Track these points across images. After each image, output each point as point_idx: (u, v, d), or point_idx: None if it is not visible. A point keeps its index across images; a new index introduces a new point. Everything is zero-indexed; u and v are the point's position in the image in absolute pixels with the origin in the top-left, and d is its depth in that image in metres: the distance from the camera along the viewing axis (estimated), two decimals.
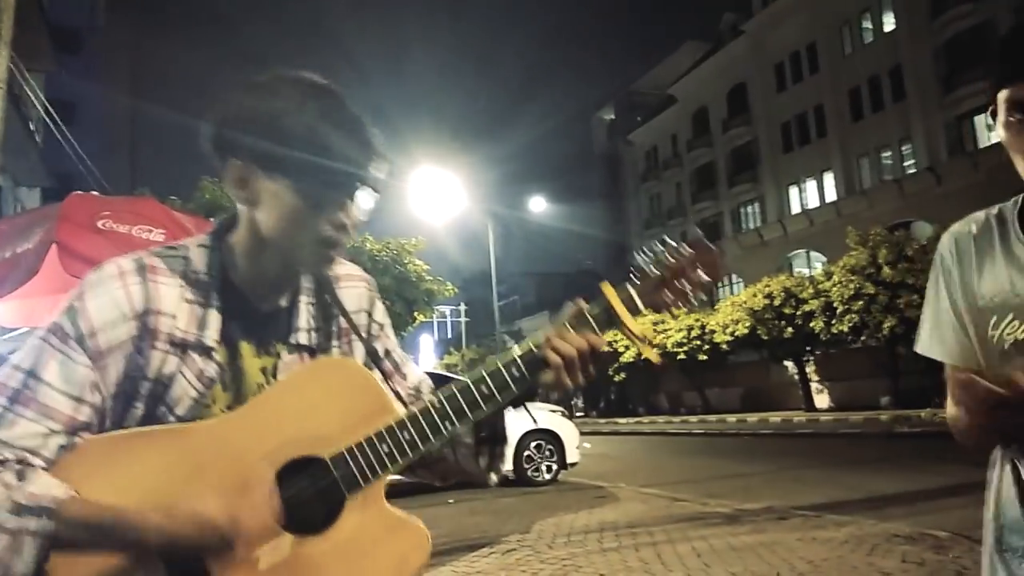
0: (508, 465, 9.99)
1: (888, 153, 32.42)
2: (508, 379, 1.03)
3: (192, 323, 1.00)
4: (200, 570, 0.91)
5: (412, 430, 0.99)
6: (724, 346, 28.83)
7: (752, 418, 24.93)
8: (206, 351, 1.00)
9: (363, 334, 1.16)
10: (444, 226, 22.73)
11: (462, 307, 52.07)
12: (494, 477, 1.18)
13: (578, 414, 41.37)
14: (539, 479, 10.06)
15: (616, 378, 35.12)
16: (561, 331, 1.04)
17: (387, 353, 1.20)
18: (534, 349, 1.03)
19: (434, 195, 18.13)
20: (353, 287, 1.18)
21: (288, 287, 1.10)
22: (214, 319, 1.02)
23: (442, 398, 1.02)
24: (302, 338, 1.09)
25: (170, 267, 1.02)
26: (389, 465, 0.98)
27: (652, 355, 1.10)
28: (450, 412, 1.01)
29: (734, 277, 39.25)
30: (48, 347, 0.95)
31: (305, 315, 1.10)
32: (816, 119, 35.59)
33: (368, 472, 0.98)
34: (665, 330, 31.04)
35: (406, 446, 0.99)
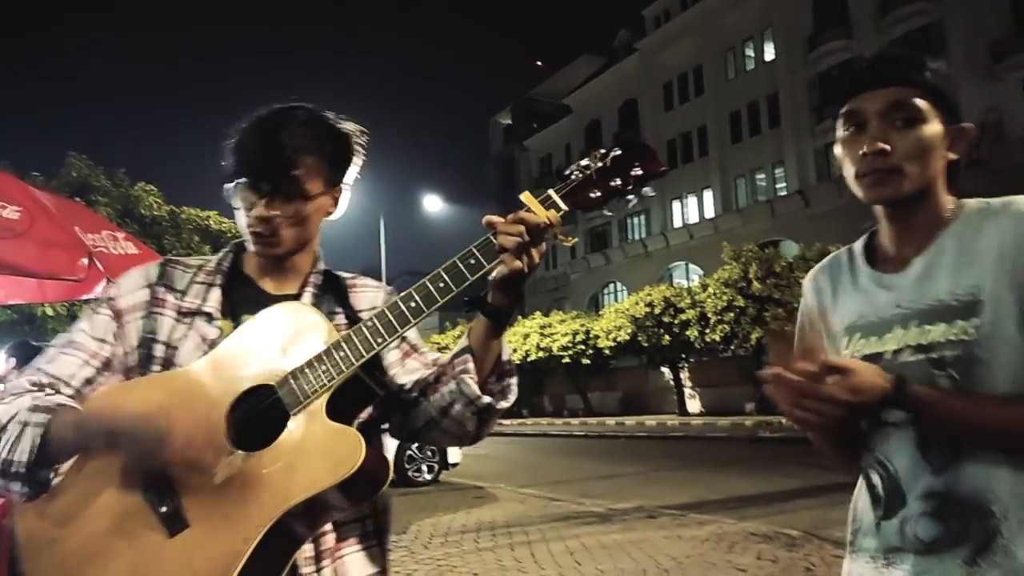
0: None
1: (762, 175, 34.52)
2: (464, 269, 1.12)
3: (197, 297, 1.25)
4: (168, 485, 1.09)
5: (347, 348, 1.11)
6: (607, 351, 29.72)
7: (630, 421, 25.85)
8: (208, 318, 1.23)
9: None
10: (333, 221, 22.11)
11: None
12: (502, 403, 1.21)
13: None
14: (420, 479, 10.01)
15: None
16: (502, 225, 1.13)
17: (403, 338, 1.26)
18: (491, 239, 1.13)
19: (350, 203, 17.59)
20: (367, 292, 1.36)
21: (292, 277, 1.30)
22: (215, 294, 1.25)
23: (379, 312, 1.13)
24: None
25: (187, 263, 1.31)
26: (327, 382, 1.10)
27: (568, 242, 1.21)
28: (391, 320, 1.12)
29: (618, 285, 40.59)
30: (89, 310, 1.28)
31: (307, 300, 1.27)
32: (699, 139, 37.40)
33: (308, 390, 1.10)
34: (551, 334, 31.63)
35: (341, 363, 1.10)
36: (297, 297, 1.27)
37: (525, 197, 1.14)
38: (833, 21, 30.71)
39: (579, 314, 34.20)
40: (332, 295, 1.32)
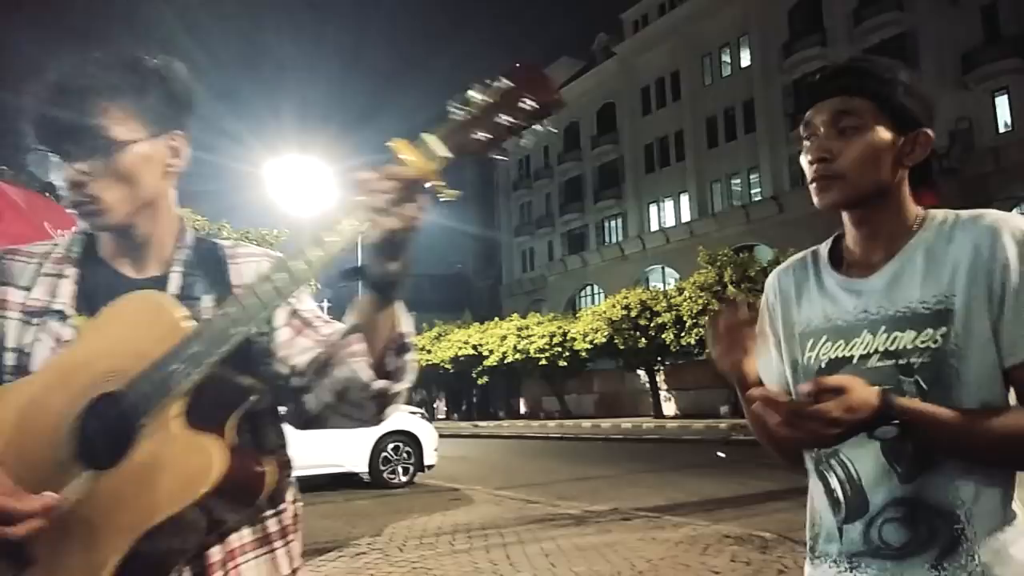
0: (364, 467, 9.81)
1: (738, 180, 34.92)
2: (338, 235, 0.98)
3: (45, 292, 1.08)
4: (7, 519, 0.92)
5: (203, 341, 0.95)
6: (583, 353, 29.86)
7: (606, 423, 25.97)
8: (60, 316, 1.07)
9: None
10: (312, 219, 21.90)
11: (325, 303, 50.66)
12: (399, 385, 1.07)
13: (439, 416, 41.29)
14: (395, 481, 9.95)
15: (479, 381, 35.43)
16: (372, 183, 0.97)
17: (294, 312, 1.16)
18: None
19: (299, 186, 17.40)
20: (251, 262, 1.18)
21: (152, 254, 1.13)
22: (66, 287, 1.09)
23: (245, 291, 0.98)
24: None
25: (31, 251, 1.13)
26: (180, 382, 0.94)
27: (451, 195, 1.02)
28: (258, 299, 0.97)
29: (595, 288, 40.76)
30: None
31: (175, 283, 1.11)
32: (676, 143, 37.73)
33: (157, 395, 0.95)
34: (528, 336, 31.69)
35: (196, 360, 0.94)
36: (163, 279, 1.11)
37: (396, 145, 0.97)
38: (808, 29, 31.20)
39: (556, 316, 34.32)
40: (205, 271, 1.15)
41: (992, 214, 1.09)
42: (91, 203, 1.05)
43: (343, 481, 9.90)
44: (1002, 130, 25.55)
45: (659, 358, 28.24)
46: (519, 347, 31.65)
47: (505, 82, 0.98)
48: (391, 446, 9.99)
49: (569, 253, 43.24)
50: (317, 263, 0.97)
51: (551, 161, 46.27)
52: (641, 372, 30.31)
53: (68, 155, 1.03)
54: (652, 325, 26.35)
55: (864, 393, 1.00)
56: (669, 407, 30.39)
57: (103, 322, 1.03)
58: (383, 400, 1.07)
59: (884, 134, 1.12)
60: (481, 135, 0.99)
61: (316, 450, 8.80)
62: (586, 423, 27.23)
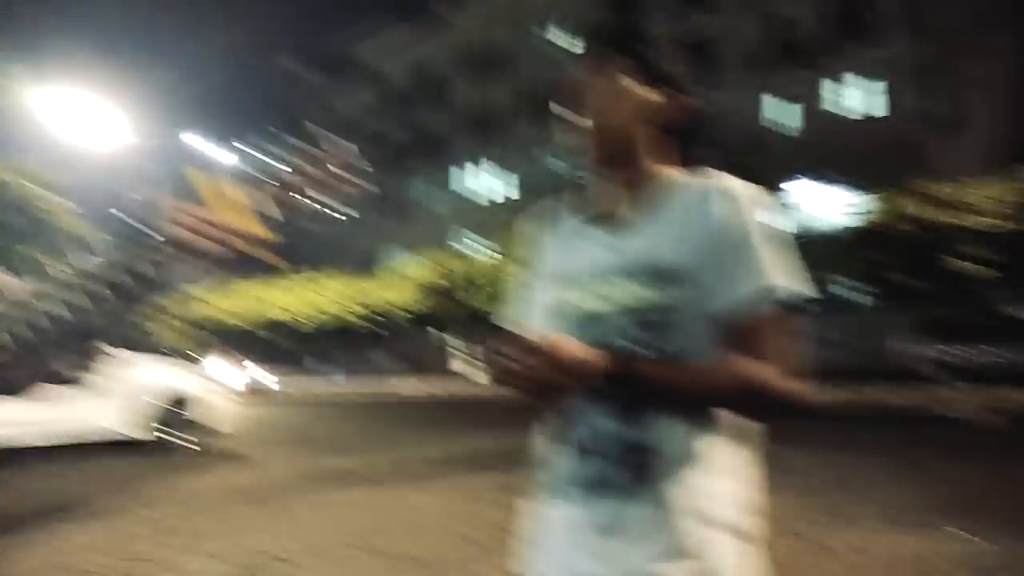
0: (139, 432, 9.07)
1: (550, 154, 36.27)
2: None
3: None
4: None
5: None
6: (383, 314, 29.62)
7: (405, 385, 26.11)
8: None
9: None
10: (108, 163, 19.37)
11: None
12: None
13: (238, 376, 38.93)
14: (176, 442, 9.33)
15: (277, 341, 33.97)
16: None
17: None
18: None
19: (87, 123, 15.11)
20: None
21: None
22: None
23: None
24: None
25: None
26: None
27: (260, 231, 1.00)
28: None
29: (399, 248, 40.57)
30: None
31: None
32: (494, 114, 38.26)
33: None
34: (323, 293, 30.82)
35: None
36: None
37: (208, 192, 0.91)
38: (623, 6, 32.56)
39: (354, 274, 33.56)
40: None
41: (722, 177, 1.15)
42: None
43: (120, 448, 9.09)
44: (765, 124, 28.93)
45: (463, 321, 28.73)
46: (313, 304, 30.71)
47: (312, 148, 0.99)
48: (173, 405, 9.29)
49: (371, 210, 42.45)
50: None
51: (361, 117, 44.99)
52: (443, 334, 30.67)
53: None
54: (456, 289, 26.67)
55: (580, 354, 1.02)
56: (469, 368, 31.22)
57: None
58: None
59: (635, 94, 1.17)
60: (292, 197, 0.99)
61: (77, 415, 8.13)
62: (384, 384, 27.25)
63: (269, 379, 26.19)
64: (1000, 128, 28.12)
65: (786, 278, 1.10)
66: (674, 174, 1.21)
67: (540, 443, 1.25)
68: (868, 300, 19.67)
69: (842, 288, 21.23)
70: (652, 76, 1.20)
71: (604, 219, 1.22)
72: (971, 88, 26.81)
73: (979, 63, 27.34)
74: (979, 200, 15.56)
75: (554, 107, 1.22)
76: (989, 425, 10.22)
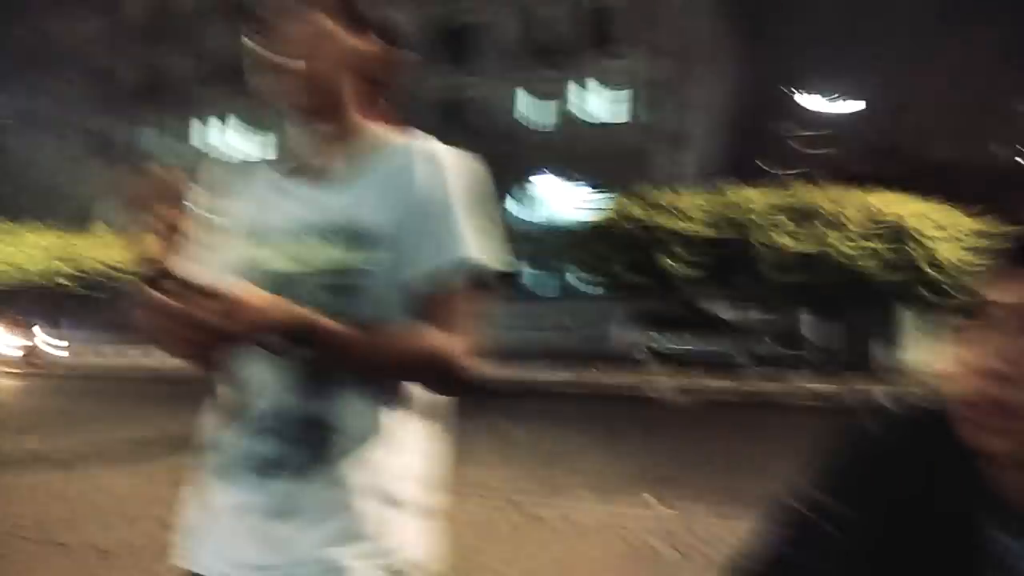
0: None
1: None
2: None
3: None
4: None
5: None
6: (94, 275, 26.25)
7: (120, 356, 23.47)
8: None
9: None
10: None
11: None
12: None
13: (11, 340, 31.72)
14: None
15: None
16: None
17: None
18: None
19: None
20: None
21: None
22: None
23: None
24: None
25: None
26: None
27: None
28: None
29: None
30: None
31: None
32: (232, 61, 35.64)
33: None
34: (22, 247, 26.63)
35: None
36: None
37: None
38: None
39: (66, 229, 29.18)
40: None
41: (429, 140, 1.10)
42: None
43: None
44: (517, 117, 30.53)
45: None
46: (10, 260, 26.38)
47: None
48: None
49: (87, 156, 37.36)
50: None
51: (87, 48, 39.31)
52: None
53: None
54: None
55: (262, 304, 0.94)
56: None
57: None
58: None
59: (338, 31, 1.09)
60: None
61: None
62: (93, 355, 24.22)
63: (57, 345, 22.11)
64: (715, 145, 32.62)
65: (483, 252, 1.07)
66: (381, 132, 1.14)
67: (209, 421, 1.13)
68: (596, 290, 21.67)
69: (574, 278, 23.11)
70: (358, 21, 1.11)
71: (303, 172, 1.13)
72: (695, 107, 30.66)
73: (704, 86, 31.39)
74: (690, 207, 17.86)
75: (246, 44, 1.07)
76: (682, 405, 11.77)
